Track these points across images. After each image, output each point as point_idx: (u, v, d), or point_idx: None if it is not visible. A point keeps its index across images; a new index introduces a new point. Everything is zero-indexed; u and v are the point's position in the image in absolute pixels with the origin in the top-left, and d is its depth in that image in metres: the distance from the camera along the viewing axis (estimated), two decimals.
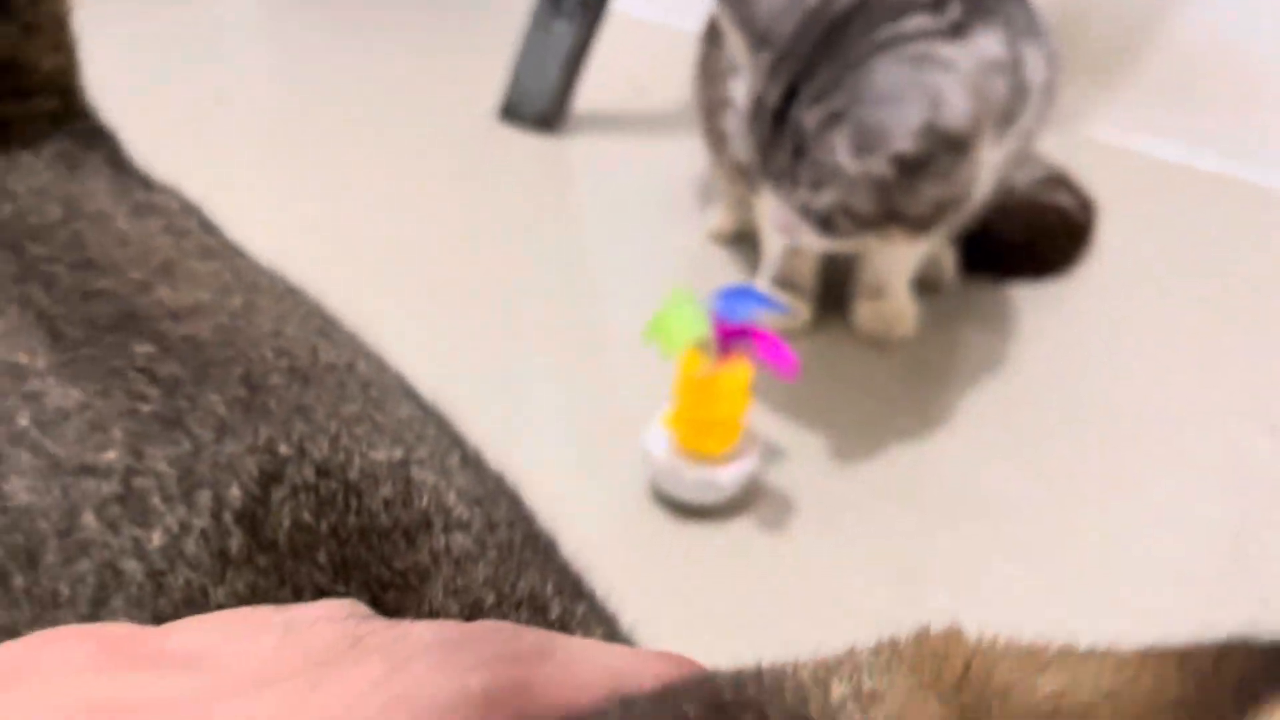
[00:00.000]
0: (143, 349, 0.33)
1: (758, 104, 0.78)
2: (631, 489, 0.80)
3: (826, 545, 0.77)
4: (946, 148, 0.74)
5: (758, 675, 0.26)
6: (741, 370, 0.73)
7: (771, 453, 0.83)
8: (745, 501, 0.79)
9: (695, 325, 0.70)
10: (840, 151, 0.73)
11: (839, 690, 0.25)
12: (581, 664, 0.28)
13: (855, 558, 0.77)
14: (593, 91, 1.32)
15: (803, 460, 0.84)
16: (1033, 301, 1.06)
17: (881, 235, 0.79)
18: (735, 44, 0.80)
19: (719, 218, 1.12)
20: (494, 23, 1.43)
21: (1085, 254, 1.11)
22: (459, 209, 1.17)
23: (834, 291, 1.01)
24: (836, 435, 0.87)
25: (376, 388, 0.36)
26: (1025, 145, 0.90)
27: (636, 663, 0.30)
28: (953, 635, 0.29)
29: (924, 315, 1.00)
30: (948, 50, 0.74)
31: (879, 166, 0.73)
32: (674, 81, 1.43)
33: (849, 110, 0.74)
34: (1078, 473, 0.86)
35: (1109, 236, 1.13)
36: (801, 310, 0.99)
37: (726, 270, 1.08)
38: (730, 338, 0.72)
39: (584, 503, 0.78)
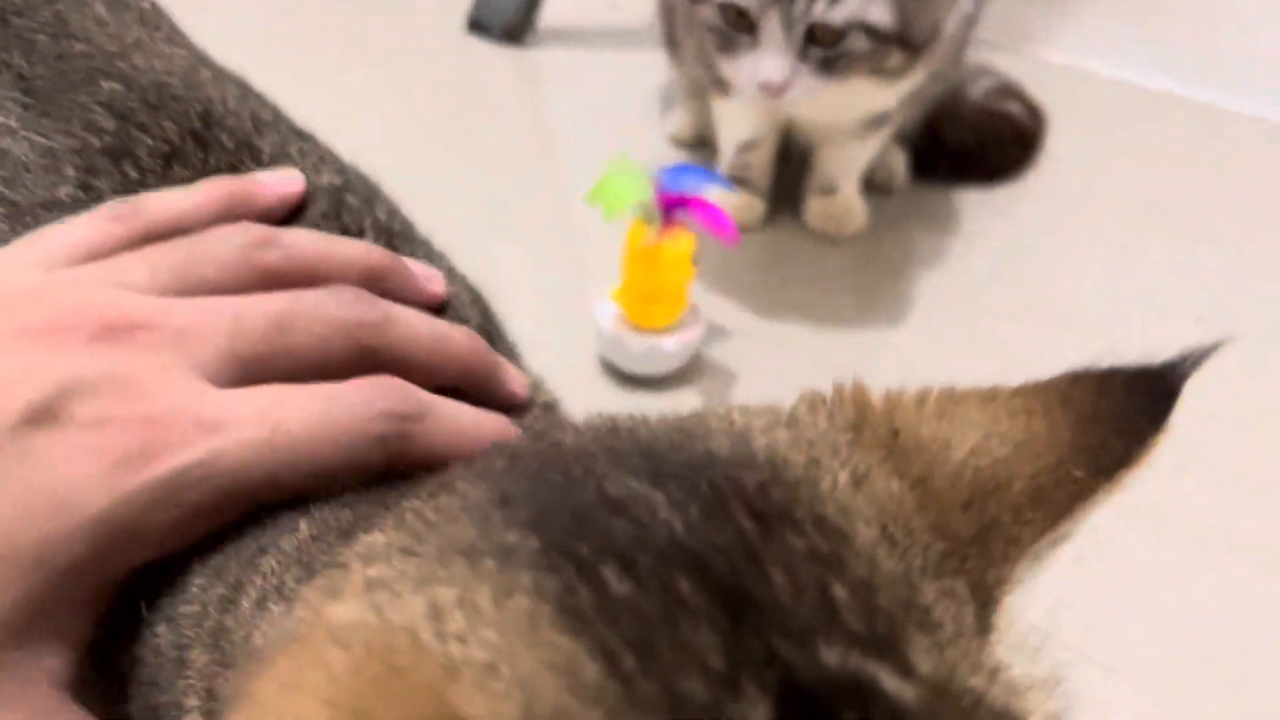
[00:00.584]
0: (109, 85, 0.35)
1: None
2: (583, 360, 0.83)
3: None
4: None
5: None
6: (684, 241, 0.76)
7: (717, 331, 0.86)
8: (689, 374, 0.82)
9: (636, 189, 0.73)
10: None
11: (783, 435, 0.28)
12: (459, 420, 0.33)
13: None
14: (565, 4, 1.34)
15: (748, 340, 0.87)
16: (980, 205, 1.09)
17: (879, 69, 0.79)
18: None
19: (678, 121, 1.14)
20: None
21: (1033, 161, 1.14)
22: (426, 117, 1.19)
23: (787, 189, 1.04)
24: (782, 319, 0.91)
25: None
26: (966, 31, 0.94)
27: (508, 425, 0.35)
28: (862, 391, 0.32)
29: (875, 215, 1.03)
30: None
31: None
32: None
33: None
34: (1016, 358, 0.90)
35: (1057, 148, 1.17)
36: (757, 206, 1.02)
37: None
38: (672, 206, 0.74)
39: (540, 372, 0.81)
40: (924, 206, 1.08)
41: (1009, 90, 1.13)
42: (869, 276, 0.98)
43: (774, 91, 0.78)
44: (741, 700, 0.20)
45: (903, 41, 0.78)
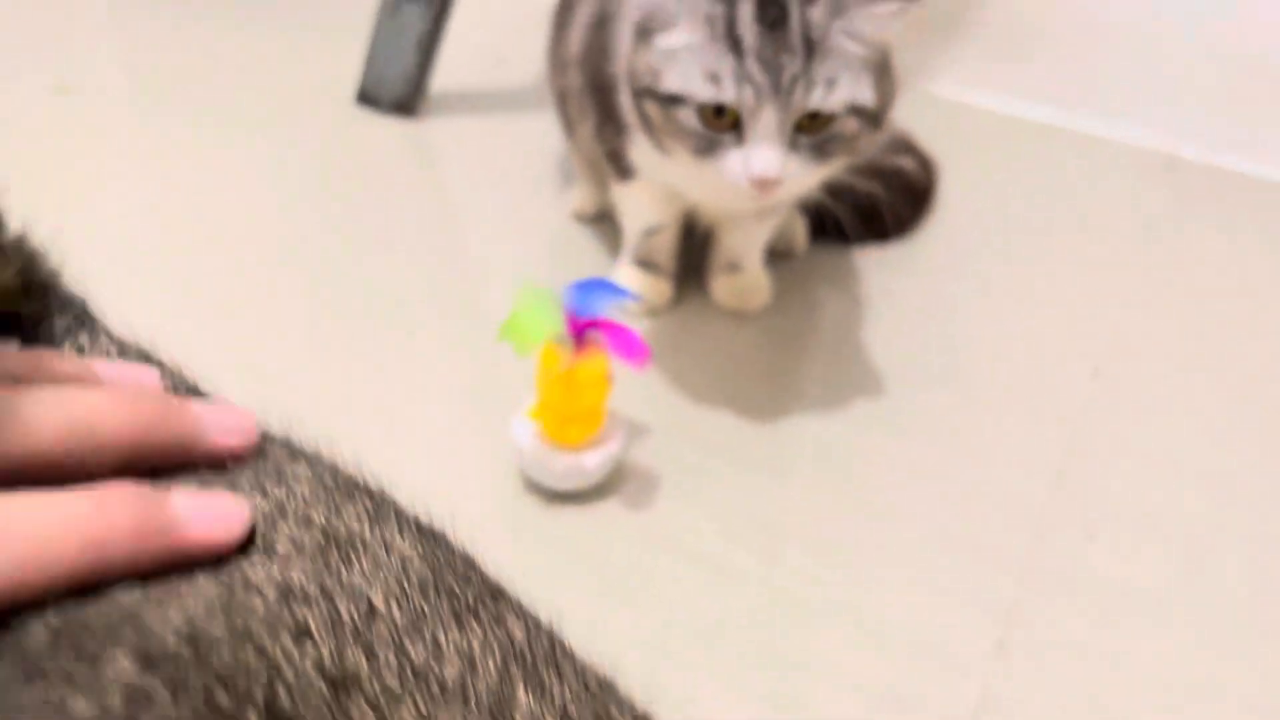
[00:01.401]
0: None
1: (729, 24, 0.76)
2: (502, 476, 0.84)
3: (690, 516, 0.82)
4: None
5: None
6: (599, 361, 0.76)
7: (638, 431, 0.87)
8: (613, 482, 0.83)
9: (546, 324, 0.74)
10: (851, 37, 0.76)
11: None
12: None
13: (720, 526, 0.82)
14: (450, 67, 1.33)
15: (667, 436, 0.88)
16: (879, 262, 1.12)
17: (853, 149, 0.80)
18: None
19: (578, 199, 1.15)
20: (345, 5, 1.42)
21: (928, 213, 1.17)
22: (316, 196, 1.18)
23: (691, 267, 1.06)
24: (698, 408, 0.92)
25: None
26: None
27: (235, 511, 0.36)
28: None
29: (778, 282, 1.05)
30: None
31: (891, 31, 0.77)
32: (533, 51, 1.45)
33: None
34: (925, 423, 0.93)
35: (950, 192, 1.20)
36: (664, 289, 1.03)
37: (590, 250, 1.11)
38: (582, 330, 0.75)
39: (456, 491, 0.81)
40: (824, 269, 1.10)
41: (900, 144, 1.16)
42: (777, 348, 1.00)
43: (770, 186, 0.77)
44: None
45: (875, 121, 0.80)
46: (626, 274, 1.03)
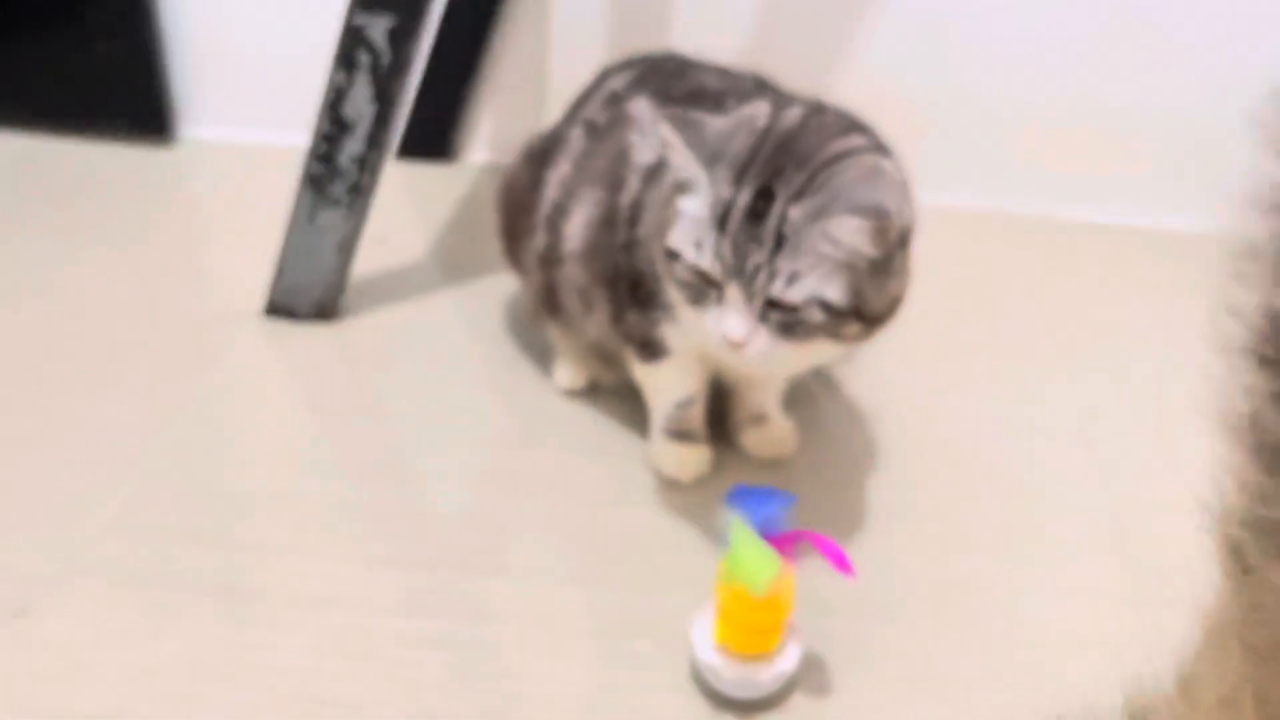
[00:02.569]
0: None
1: (726, 208, 0.82)
2: (672, 674, 0.84)
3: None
4: (901, 243, 0.84)
5: None
6: (787, 578, 0.78)
7: (809, 646, 0.86)
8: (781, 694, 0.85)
9: (767, 554, 0.75)
10: (827, 240, 0.80)
11: None
12: None
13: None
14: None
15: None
16: (861, 372, 1.20)
17: (836, 335, 0.84)
18: (685, 164, 0.84)
19: (568, 375, 1.14)
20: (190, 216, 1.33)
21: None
22: (235, 418, 1.09)
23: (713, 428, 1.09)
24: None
25: None
26: None
27: None
28: None
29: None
30: (886, 163, 0.84)
31: (867, 244, 0.80)
32: (413, 228, 1.42)
33: (834, 202, 0.80)
34: (959, 518, 1.01)
35: None
36: (705, 454, 1.05)
37: (596, 427, 1.11)
38: (785, 546, 0.77)
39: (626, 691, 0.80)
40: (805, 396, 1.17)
41: None
42: (820, 484, 1.05)
43: (740, 348, 0.83)
44: None
45: (859, 315, 0.84)
46: (663, 448, 1.04)
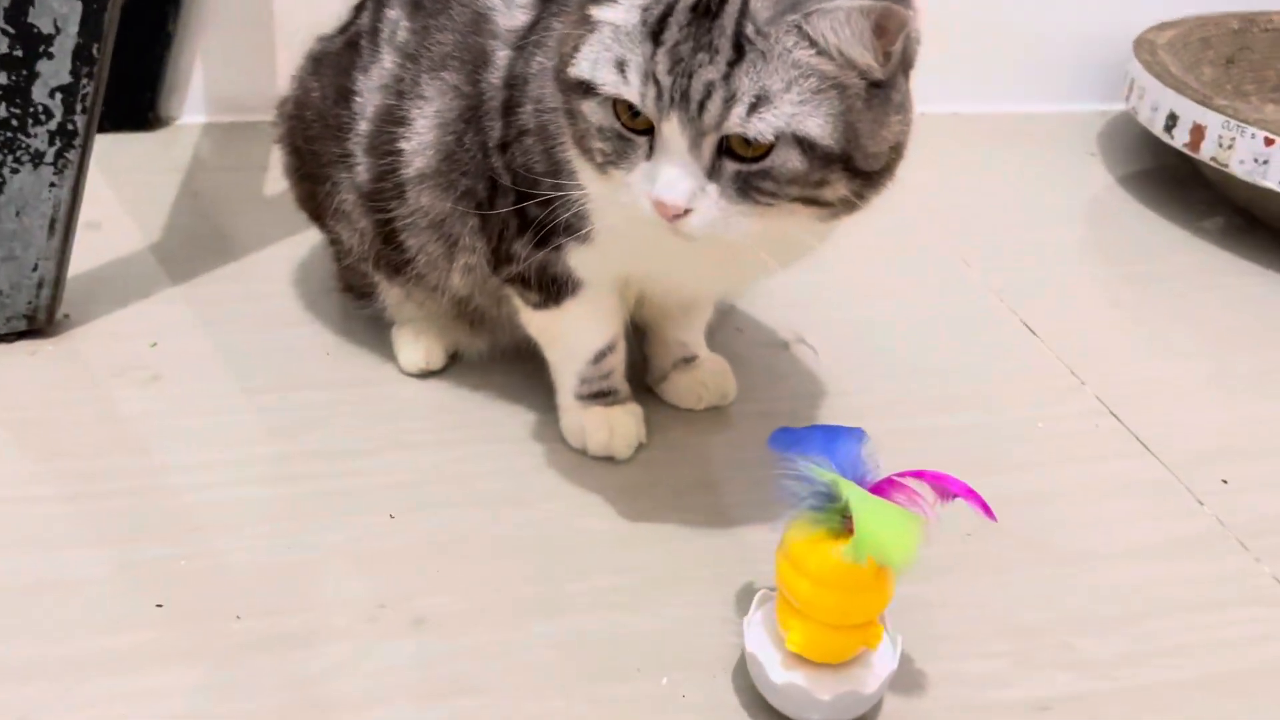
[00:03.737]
0: None
1: (665, 6, 0.56)
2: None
3: None
4: (905, 58, 0.59)
5: None
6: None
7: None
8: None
9: (903, 513, 0.52)
10: (808, 44, 0.55)
11: None
12: None
13: None
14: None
15: None
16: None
17: (814, 200, 0.59)
18: None
19: (414, 350, 0.86)
20: None
21: None
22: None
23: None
24: None
25: None
26: None
27: None
28: None
29: None
30: None
31: (865, 50, 0.55)
32: (129, 203, 1.08)
33: None
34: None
35: None
36: (639, 420, 0.80)
37: (467, 411, 0.83)
38: (899, 491, 0.54)
39: None
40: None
41: None
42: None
43: (671, 213, 0.57)
44: None
45: (849, 165, 0.58)
46: (582, 417, 0.78)
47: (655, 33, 0.56)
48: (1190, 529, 0.76)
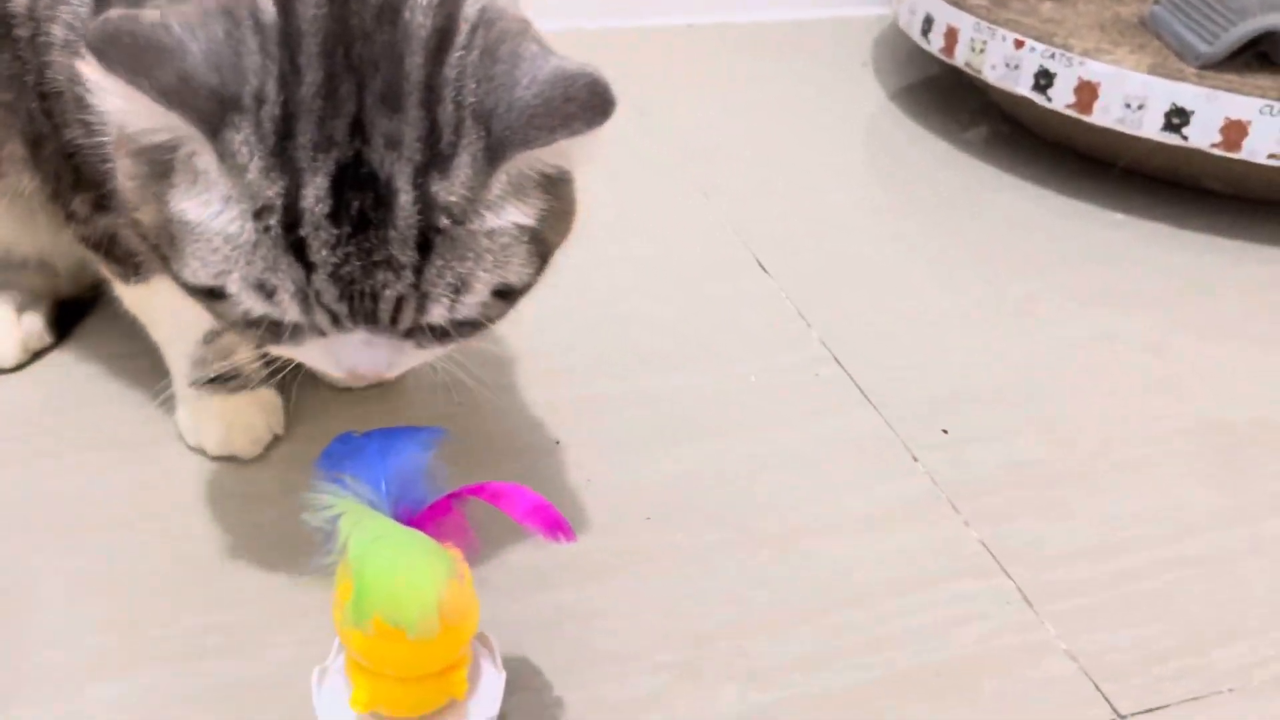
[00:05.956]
0: None
1: (291, 216, 0.43)
2: None
3: None
4: None
5: None
6: (460, 581, 0.44)
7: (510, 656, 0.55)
8: None
9: (425, 563, 0.40)
10: (511, 198, 0.46)
11: None
12: None
13: None
14: None
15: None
16: None
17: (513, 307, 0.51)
18: (155, 122, 0.43)
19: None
20: None
21: None
22: None
23: None
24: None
25: None
26: None
27: None
28: None
29: None
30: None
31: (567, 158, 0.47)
32: None
33: (506, 121, 0.44)
34: None
35: None
36: (276, 406, 0.68)
37: (62, 404, 0.70)
38: (444, 522, 0.43)
39: None
40: None
41: None
42: (461, 404, 0.72)
43: (371, 378, 0.49)
44: None
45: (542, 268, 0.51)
46: (199, 410, 0.66)
47: (296, 249, 0.43)
48: (901, 491, 0.68)
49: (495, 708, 0.47)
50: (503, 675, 0.48)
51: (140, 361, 0.69)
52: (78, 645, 0.55)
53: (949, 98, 1.20)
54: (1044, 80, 0.97)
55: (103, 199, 0.57)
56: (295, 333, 0.46)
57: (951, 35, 1.04)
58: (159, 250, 0.47)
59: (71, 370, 0.72)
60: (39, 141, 0.58)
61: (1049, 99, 0.97)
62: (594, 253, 0.88)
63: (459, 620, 0.44)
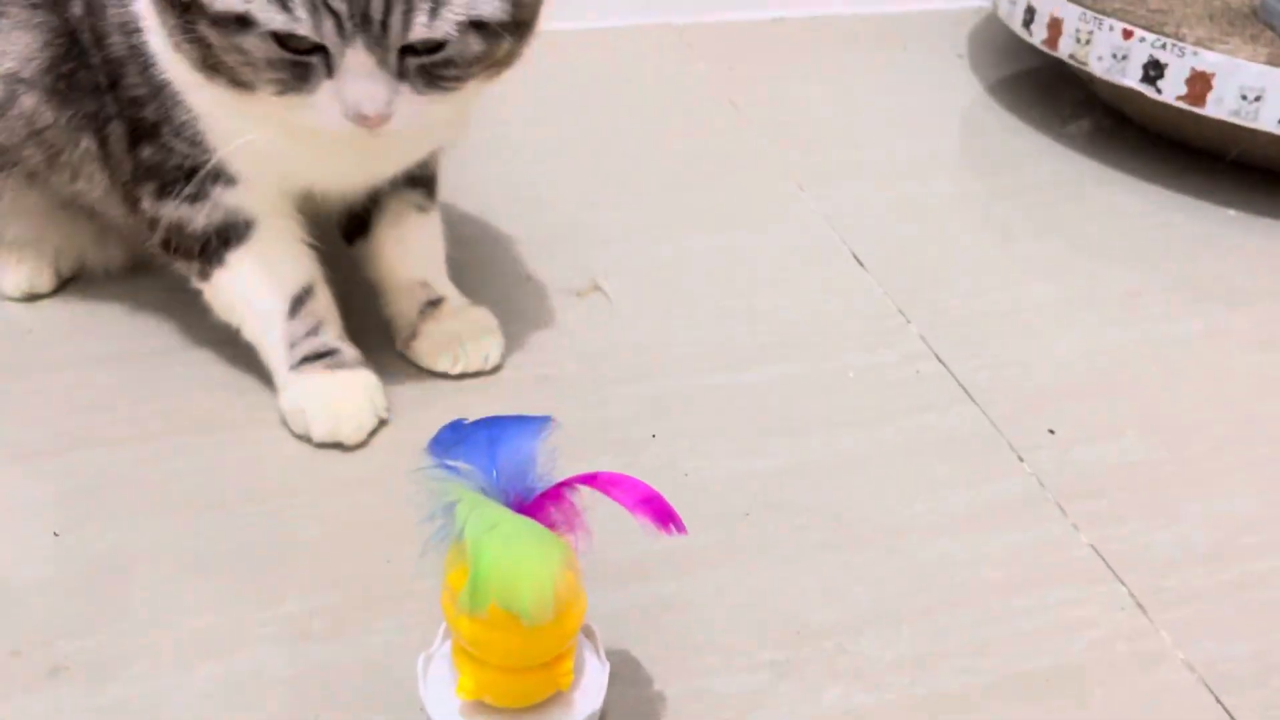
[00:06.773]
0: None
1: None
2: None
3: None
4: None
5: None
6: (570, 570, 0.44)
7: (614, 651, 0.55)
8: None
9: (539, 551, 0.40)
10: None
11: None
12: None
13: None
14: None
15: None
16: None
17: (491, 64, 0.59)
18: None
19: (22, 274, 0.76)
20: None
21: None
22: None
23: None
24: None
25: None
26: None
27: None
28: None
29: None
30: None
31: None
32: None
33: None
34: None
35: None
36: (375, 384, 0.69)
37: (111, 353, 0.71)
38: (555, 504, 0.42)
39: None
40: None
41: None
42: (573, 396, 0.72)
43: (374, 122, 0.56)
44: None
45: (516, 24, 0.58)
46: (302, 393, 0.66)
47: None
48: (1006, 492, 0.66)
49: (599, 700, 0.47)
50: (606, 667, 0.48)
51: (244, 348, 0.70)
52: (181, 625, 0.56)
53: (1048, 91, 1.17)
54: (1154, 72, 0.93)
55: (165, 188, 0.63)
56: (295, 77, 0.54)
57: (1055, 26, 1.01)
58: (202, 31, 0.54)
59: (178, 356, 0.73)
60: (104, 126, 0.64)
61: (1159, 91, 0.93)
62: (688, 246, 0.88)
63: (569, 611, 0.44)
